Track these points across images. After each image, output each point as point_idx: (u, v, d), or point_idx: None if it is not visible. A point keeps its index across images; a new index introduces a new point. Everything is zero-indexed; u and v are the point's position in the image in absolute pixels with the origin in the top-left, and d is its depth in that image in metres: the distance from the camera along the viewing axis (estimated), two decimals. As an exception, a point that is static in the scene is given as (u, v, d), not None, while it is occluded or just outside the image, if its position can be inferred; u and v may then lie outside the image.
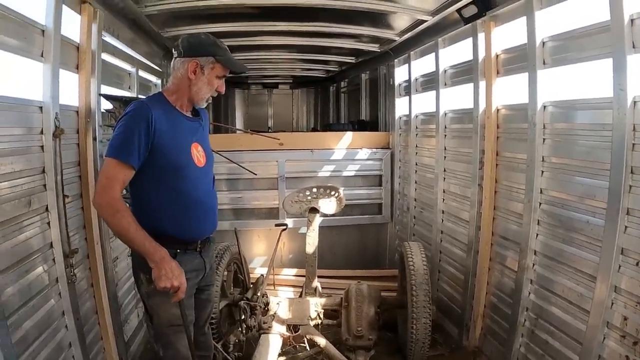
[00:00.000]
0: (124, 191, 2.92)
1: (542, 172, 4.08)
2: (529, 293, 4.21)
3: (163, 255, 2.81)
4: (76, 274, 3.73)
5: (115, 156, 2.82)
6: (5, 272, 2.93)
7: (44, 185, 3.45)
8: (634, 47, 3.04)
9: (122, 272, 4.90)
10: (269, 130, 11.46)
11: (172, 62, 3.13)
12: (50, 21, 3.44)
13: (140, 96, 5.62)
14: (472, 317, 5.09)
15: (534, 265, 4.17)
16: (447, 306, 5.86)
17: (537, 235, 4.14)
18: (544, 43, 3.98)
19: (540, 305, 4.07)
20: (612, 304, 3.20)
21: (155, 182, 2.97)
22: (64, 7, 3.62)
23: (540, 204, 4.11)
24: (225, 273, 4.91)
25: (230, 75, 3.23)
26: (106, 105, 4.51)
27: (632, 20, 3.04)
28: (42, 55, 3.43)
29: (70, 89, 3.99)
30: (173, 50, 3.11)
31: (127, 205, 2.91)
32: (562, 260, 3.82)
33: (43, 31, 3.42)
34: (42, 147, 3.44)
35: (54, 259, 3.53)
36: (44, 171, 3.46)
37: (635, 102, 3.05)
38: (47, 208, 3.48)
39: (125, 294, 4.96)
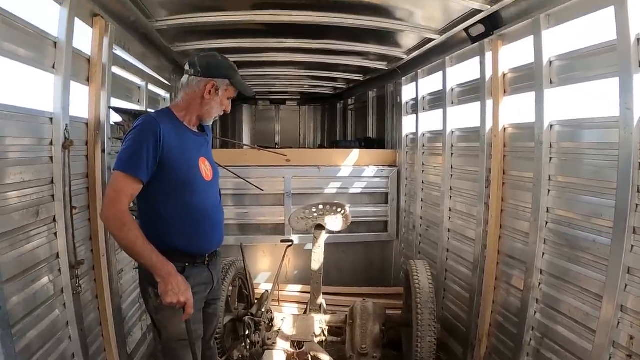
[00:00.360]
0: (131, 204, 2.93)
1: (549, 191, 4.07)
2: (535, 312, 4.18)
3: (170, 270, 2.81)
4: (81, 285, 3.75)
5: (123, 170, 2.84)
6: (11, 281, 2.94)
7: (52, 196, 3.48)
8: (640, 66, 3.06)
9: (127, 285, 4.90)
10: (276, 147, 11.48)
11: (184, 79, 3.16)
12: (63, 33, 3.50)
13: (149, 110, 5.68)
14: (478, 336, 5.05)
15: (540, 284, 4.14)
16: (452, 325, 5.83)
17: (543, 254, 4.13)
18: (551, 62, 4.00)
19: (546, 324, 4.04)
20: (619, 323, 3.18)
21: (164, 196, 2.98)
22: (77, 20, 3.68)
23: (546, 222, 4.10)
24: (230, 288, 4.91)
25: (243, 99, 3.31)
26: (115, 118, 4.54)
27: (638, 40, 3.06)
28: (53, 67, 3.47)
29: (81, 101, 4.04)
30: (187, 67, 3.14)
31: (135, 218, 2.92)
32: (568, 280, 3.79)
33: (55, 43, 3.47)
34: (51, 158, 3.48)
35: (59, 270, 3.55)
36: (52, 182, 3.49)
37: (642, 121, 3.05)
38: (54, 219, 3.50)
39: (130, 307, 4.96)
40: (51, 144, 3.47)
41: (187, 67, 3.14)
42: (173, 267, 2.84)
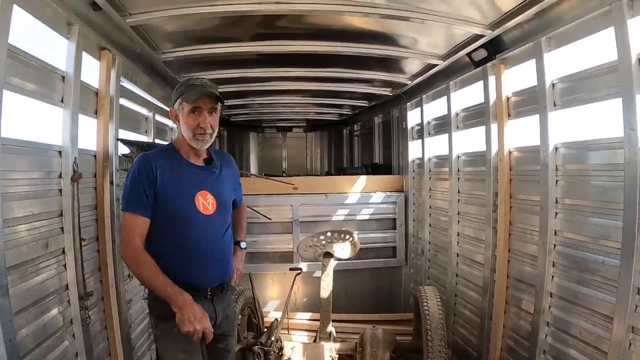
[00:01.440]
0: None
1: (556, 213, 4.07)
2: (546, 335, 4.15)
3: (185, 300, 2.82)
4: (90, 315, 3.76)
5: (127, 209, 2.98)
6: (21, 313, 2.97)
7: (61, 228, 3.52)
8: (643, 86, 3.08)
9: (136, 314, 4.90)
10: (283, 174, 11.51)
11: None
12: (71, 67, 3.56)
13: (156, 140, 5.72)
14: (489, 360, 5.01)
15: (550, 307, 4.11)
16: (463, 350, 5.78)
17: (552, 277, 4.10)
18: (553, 85, 4.03)
19: (557, 347, 4.01)
20: (630, 344, 3.15)
21: (158, 229, 3.02)
22: (84, 54, 3.75)
23: (555, 245, 4.08)
24: (240, 317, 4.89)
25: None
26: (123, 149, 4.59)
27: (639, 60, 3.08)
28: (62, 101, 3.54)
29: (89, 134, 4.09)
30: None
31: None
32: (579, 302, 3.77)
33: (63, 77, 3.54)
34: (60, 190, 3.52)
35: (69, 301, 3.57)
36: (61, 214, 3.52)
37: (646, 141, 3.06)
38: (63, 250, 3.53)
39: (139, 336, 4.95)
40: (60, 176, 3.52)
41: None
42: (189, 296, 2.85)
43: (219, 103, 3.15)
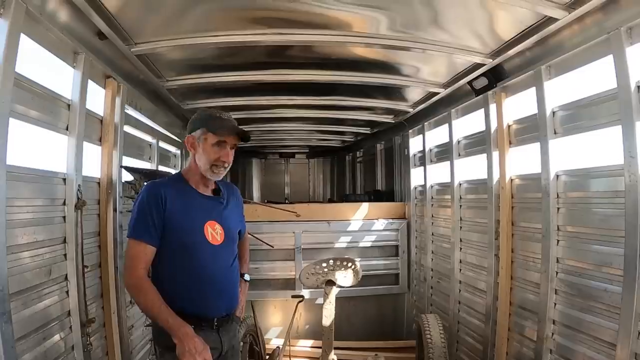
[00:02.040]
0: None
1: (558, 241, 4.07)
2: (550, 363, 4.13)
3: (187, 332, 2.78)
4: (92, 342, 3.76)
5: (134, 237, 2.92)
6: (23, 339, 2.96)
7: (64, 255, 3.53)
8: (641, 113, 3.11)
9: (137, 341, 4.88)
10: (286, 201, 11.53)
11: None
12: (77, 95, 3.62)
13: (160, 167, 5.75)
14: (493, 389, 4.97)
15: (553, 334, 4.09)
16: (467, 378, 5.73)
17: (555, 304, 4.09)
18: (554, 112, 4.06)
19: (561, 376, 3.98)
20: (634, 371, 3.14)
21: (167, 258, 2.99)
22: (89, 82, 3.80)
23: (557, 273, 4.08)
24: (241, 344, 4.87)
25: (242, 144, 3.28)
26: (127, 176, 4.61)
27: (638, 87, 3.12)
28: (67, 129, 3.57)
29: (93, 161, 4.12)
30: None
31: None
32: (581, 329, 3.75)
33: (69, 105, 3.59)
34: (64, 217, 3.54)
35: (70, 327, 3.56)
36: (65, 241, 3.54)
37: (646, 169, 3.08)
38: (66, 277, 3.54)
39: (140, 363, 4.93)
40: (64, 204, 3.55)
41: None
42: (190, 328, 2.81)
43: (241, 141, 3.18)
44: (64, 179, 3.56)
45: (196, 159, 3.11)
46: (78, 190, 3.61)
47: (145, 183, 4.54)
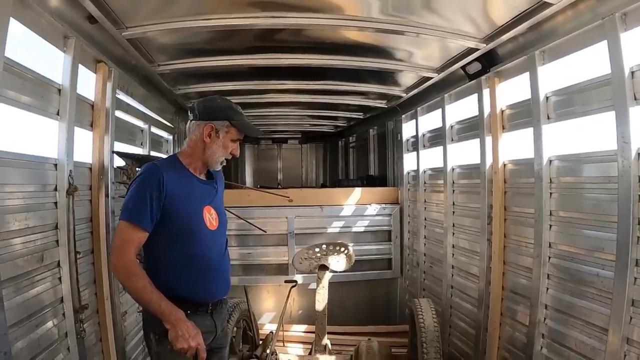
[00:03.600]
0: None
1: (550, 226, 4.08)
2: (541, 347, 4.14)
3: (179, 317, 2.78)
4: (85, 329, 3.76)
5: (128, 219, 2.84)
6: (16, 326, 2.96)
7: (57, 241, 3.52)
8: (635, 99, 3.11)
9: (131, 327, 4.89)
10: (279, 186, 11.52)
11: (187, 125, 3.16)
12: (67, 80, 3.58)
13: (152, 152, 5.73)
14: (485, 373, 5.01)
15: (545, 319, 4.12)
16: (459, 362, 5.78)
17: (547, 289, 4.11)
18: (547, 98, 4.06)
19: (553, 359, 4.00)
20: (625, 356, 3.15)
21: (167, 245, 2.96)
22: (80, 66, 3.77)
23: (549, 257, 4.09)
24: (235, 330, 4.88)
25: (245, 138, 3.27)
26: (119, 162, 4.59)
27: (632, 73, 3.11)
28: (58, 114, 3.54)
29: (84, 146, 4.09)
30: (189, 112, 3.16)
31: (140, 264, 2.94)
32: (573, 314, 3.77)
33: (59, 90, 3.55)
34: (55, 203, 3.52)
35: (63, 314, 3.56)
36: (56, 227, 3.52)
37: (639, 154, 3.09)
38: (58, 263, 3.53)
39: (133, 349, 4.93)
40: (55, 189, 3.52)
41: (189, 112, 3.16)
42: (182, 313, 2.80)
43: None
44: (55, 165, 3.53)
45: (207, 148, 3.08)
46: (69, 175, 3.58)
47: (137, 169, 4.54)
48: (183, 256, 2.98)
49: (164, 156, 6.21)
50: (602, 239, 3.49)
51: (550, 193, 4.08)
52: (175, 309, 2.79)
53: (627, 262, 3.13)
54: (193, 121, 3.11)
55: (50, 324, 3.39)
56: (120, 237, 2.85)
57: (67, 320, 3.58)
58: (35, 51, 3.51)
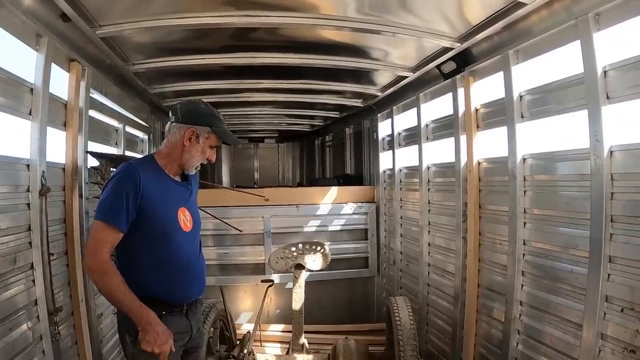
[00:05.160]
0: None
1: (525, 223, 4.13)
2: (517, 343, 4.19)
3: (150, 321, 2.77)
4: (60, 331, 3.71)
5: (104, 219, 2.79)
6: (-12, 329, 2.91)
7: (30, 243, 3.47)
8: (608, 98, 3.15)
9: (107, 329, 4.83)
10: (255, 185, 11.49)
11: (167, 126, 3.14)
12: (40, 79, 3.53)
13: (127, 152, 5.67)
14: (462, 369, 5.05)
15: (520, 315, 4.17)
16: (437, 359, 5.81)
17: (522, 285, 4.16)
18: (521, 97, 4.10)
19: (528, 355, 4.05)
20: (600, 351, 3.20)
21: (141, 246, 2.93)
22: (53, 65, 3.71)
23: (524, 255, 4.14)
24: (212, 330, 4.85)
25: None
26: (93, 162, 4.54)
27: (605, 72, 3.16)
28: (30, 114, 3.49)
29: (57, 146, 4.04)
30: (170, 113, 3.14)
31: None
32: (548, 310, 3.82)
33: (32, 89, 3.49)
34: (28, 204, 3.47)
35: (38, 317, 3.51)
36: (29, 229, 3.47)
37: (611, 152, 3.14)
38: (32, 265, 3.48)
39: (110, 351, 4.88)
40: (28, 190, 3.47)
41: (170, 114, 3.14)
42: (154, 316, 2.79)
43: None
44: (28, 165, 3.48)
45: (185, 151, 3.07)
46: (42, 176, 3.53)
47: (112, 169, 4.49)
48: (157, 257, 2.95)
49: (139, 156, 6.16)
50: (575, 236, 3.54)
51: (524, 191, 4.13)
52: (147, 312, 2.78)
53: (600, 259, 3.18)
54: (174, 123, 3.09)
55: (24, 326, 3.35)
56: (95, 237, 2.80)
57: (41, 323, 3.53)
58: (7, 50, 3.47)
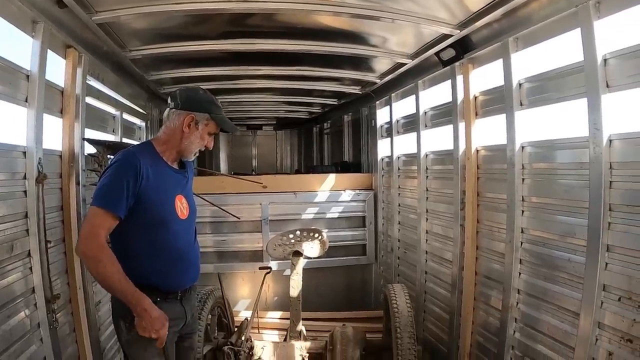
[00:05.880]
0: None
1: (523, 211, 4.12)
2: (514, 331, 4.21)
3: (145, 307, 2.76)
4: (58, 319, 3.70)
5: (102, 205, 2.78)
6: (-14, 317, 2.90)
7: (27, 231, 3.45)
8: (607, 86, 3.14)
9: (105, 316, 4.81)
10: (253, 173, 11.47)
11: (165, 112, 3.15)
12: (36, 66, 3.49)
13: (124, 139, 5.64)
14: (459, 356, 5.06)
15: (517, 303, 4.17)
16: (434, 346, 5.83)
17: (519, 274, 4.16)
18: (520, 84, 4.08)
19: (525, 343, 4.06)
20: (597, 340, 3.21)
21: (138, 233, 2.93)
22: (49, 52, 3.67)
23: (521, 243, 4.14)
24: (209, 317, 4.86)
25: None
26: (90, 149, 4.51)
27: (605, 60, 3.14)
28: (26, 101, 3.46)
29: (54, 133, 4.01)
30: (169, 100, 3.14)
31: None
32: (546, 298, 3.83)
33: (28, 76, 3.46)
34: (25, 192, 3.45)
35: (35, 304, 3.51)
36: (26, 216, 3.46)
37: (610, 141, 3.12)
38: (29, 253, 3.46)
39: (108, 339, 4.87)
40: (25, 178, 3.45)
41: (168, 100, 3.15)
42: (149, 302, 2.78)
43: None
44: (24, 153, 3.45)
45: (184, 138, 3.09)
46: (39, 163, 3.51)
47: (109, 156, 4.48)
48: (154, 244, 2.96)
49: (137, 143, 6.14)
50: (573, 224, 3.53)
51: (523, 179, 4.12)
52: (143, 298, 2.77)
53: (598, 248, 3.18)
54: (173, 109, 3.09)
55: (22, 314, 3.34)
56: (92, 222, 2.78)
57: (39, 311, 3.53)
58: (2, 36, 3.43)
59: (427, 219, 6.03)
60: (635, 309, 2.96)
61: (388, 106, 7.07)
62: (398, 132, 6.96)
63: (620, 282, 3.07)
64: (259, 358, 4.91)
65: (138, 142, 6.39)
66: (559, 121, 3.98)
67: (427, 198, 6.01)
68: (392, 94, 6.87)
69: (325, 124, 11.57)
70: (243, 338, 4.90)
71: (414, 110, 6.15)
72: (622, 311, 3.05)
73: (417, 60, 5.33)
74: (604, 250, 3.17)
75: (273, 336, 6.31)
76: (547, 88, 3.84)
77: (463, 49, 4.68)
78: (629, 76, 3.01)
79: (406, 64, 5.52)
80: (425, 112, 5.95)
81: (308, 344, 5.14)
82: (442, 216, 5.62)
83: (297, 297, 5.40)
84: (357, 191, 7.87)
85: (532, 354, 3.99)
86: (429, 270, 6.01)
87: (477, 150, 4.81)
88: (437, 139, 5.83)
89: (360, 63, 5.96)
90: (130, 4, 3.82)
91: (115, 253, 2.86)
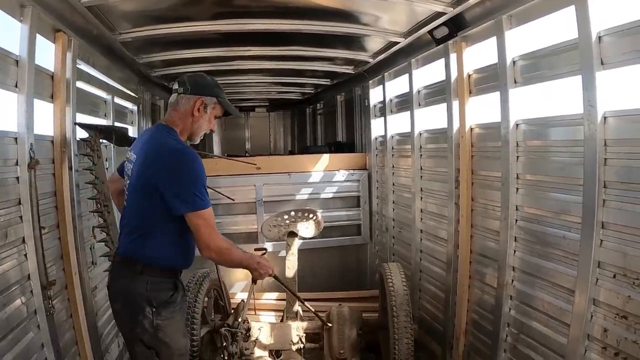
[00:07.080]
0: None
1: (517, 189, 4.13)
2: (510, 309, 4.24)
3: (258, 260, 3.43)
4: (55, 305, 3.70)
5: (208, 206, 3.04)
6: (-18, 305, 2.89)
7: (20, 217, 3.44)
8: (602, 63, 3.12)
9: (102, 302, 4.81)
10: (246, 154, 11.44)
11: (173, 97, 3.24)
12: (24, 51, 3.45)
13: (116, 123, 5.60)
14: (455, 334, 5.10)
15: (513, 281, 4.20)
16: (430, 325, 5.88)
17: (514, 251, 4.18)
18: (514, 62, 4.06)
19: (521, 320, 4.09)
20: (592, 316, 3.23)
21: (176, 219, 3.05)
22: (38, 36, 3.62)
23: (516, 220, 4.15)
24: (206, 300, 4.87)
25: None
26: (82, 133, 4.48)
27: (599, 38, 3.12)
28: (16, 86, 3.42)
29: (45, 119, 3.97)
30: (177, 85, 3.23)
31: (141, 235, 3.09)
32: (541, 276, 3.85)
33: (17, 61, 3.42)
34: (17, 178, 3.43)
35: (31, 291, 3.50)
36: (19, 203, 3.44)
37: (605, 118, 3.12)
38: (23, 240, 3.45)
39: (105, 324, 4.89)
40: (17, 164, 3.42)
41: (176, 85, 3.23)
42: (255, 254, 3.67)
43: None
44: (15, 139, 3.42)
45: (195, 121, 3.22)
46: (30, 149, 3.48)
47: (101, 140, 4.46)
48: (185, 229, 3.08)
49: (129, 127, 6.11)
50: (568, 201, 3.54)
51: (517, 156, 4.12)
52: (252, 255, 3.49)
53: (593, 225, 3.19)
54: (182, 94, 3.19)
55: (18, 302, 3.34)
56: (209, 223, 3.05)
57: (35, 298, 3.53)
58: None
59: (421, 198, 6.04)
60: (630, 286, 2.98)
61: (381, 85, 7.03)
62: (391, 112, 6.93)
63: (615, 259, 3.09)
64: (256, 339, 4.92)
65: (130, 126, 6.36)
66: (553, 99, 3.97)
67: (421, 177, 6.01)
68: (385, 73, 6.82)
69: (318, 105, 11.52)
70: (240, 320, 4.90)
71: (407, 89, 6.12)
72: (617, 288, 3.07)
73: (410, 39, 5.28)
74: (598, 227, 3.18)
75: (270, 317, 6.32)
76: (541, 65, 3.82)
77: (456, 27, 4.64)
78: (624, 53, 2.99)
79: (399, 42, 5.47)
80: (419, 91, 5.92)
81: (305, 324, 5.17)
82: (437, 195, 5.62)
83: (293, 278, 5.43)
84: (351, 171, 7.88)
85: (527, 331, 4.02)
86: (424, 249, 6.03)
87: (471, 129, 4.80)
88: (431, 117, 5.81)
89: (352, 42, 5.91)
90: (118, -14, 3.77)
91: (160, 238, 3.12)
